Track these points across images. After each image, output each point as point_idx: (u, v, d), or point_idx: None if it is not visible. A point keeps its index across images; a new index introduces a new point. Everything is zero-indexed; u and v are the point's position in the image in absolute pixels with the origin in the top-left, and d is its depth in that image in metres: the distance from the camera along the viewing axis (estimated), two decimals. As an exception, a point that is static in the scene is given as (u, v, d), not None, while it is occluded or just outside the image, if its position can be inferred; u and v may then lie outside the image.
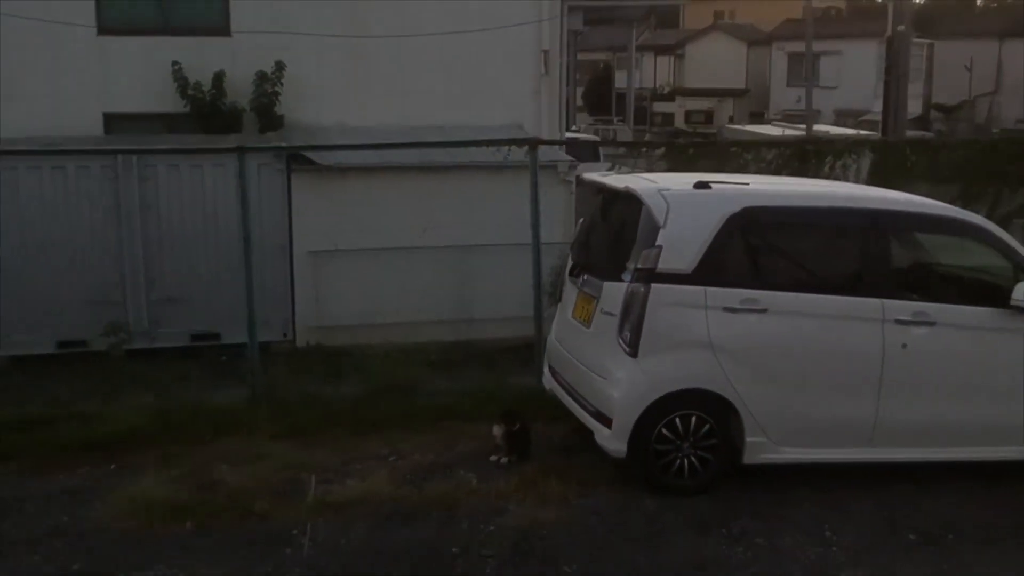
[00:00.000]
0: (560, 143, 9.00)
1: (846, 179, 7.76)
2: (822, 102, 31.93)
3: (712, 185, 5.21)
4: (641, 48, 35.01)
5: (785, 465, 5.19)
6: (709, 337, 4.97)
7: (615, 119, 32.47)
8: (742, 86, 38.75)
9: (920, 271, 5.77)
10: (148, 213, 8.01)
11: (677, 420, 5.02)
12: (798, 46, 27.33)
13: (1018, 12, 34.96)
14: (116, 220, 7.93)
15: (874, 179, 7.60)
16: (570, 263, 6.06)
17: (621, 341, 5.04)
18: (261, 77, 9.53)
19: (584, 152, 12.82)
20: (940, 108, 35.92)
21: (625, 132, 27.69)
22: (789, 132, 19.23)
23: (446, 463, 5.52)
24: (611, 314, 5.14)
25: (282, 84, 9.57)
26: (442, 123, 9.37)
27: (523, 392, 6.43)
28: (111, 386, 6.80)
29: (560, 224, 8.38)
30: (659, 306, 4.95)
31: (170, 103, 9.52)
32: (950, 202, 6.06)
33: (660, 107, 39.78)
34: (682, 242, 4.97)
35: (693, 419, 5.03)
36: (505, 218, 7.73)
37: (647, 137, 31.51)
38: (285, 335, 8.32)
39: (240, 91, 9.56)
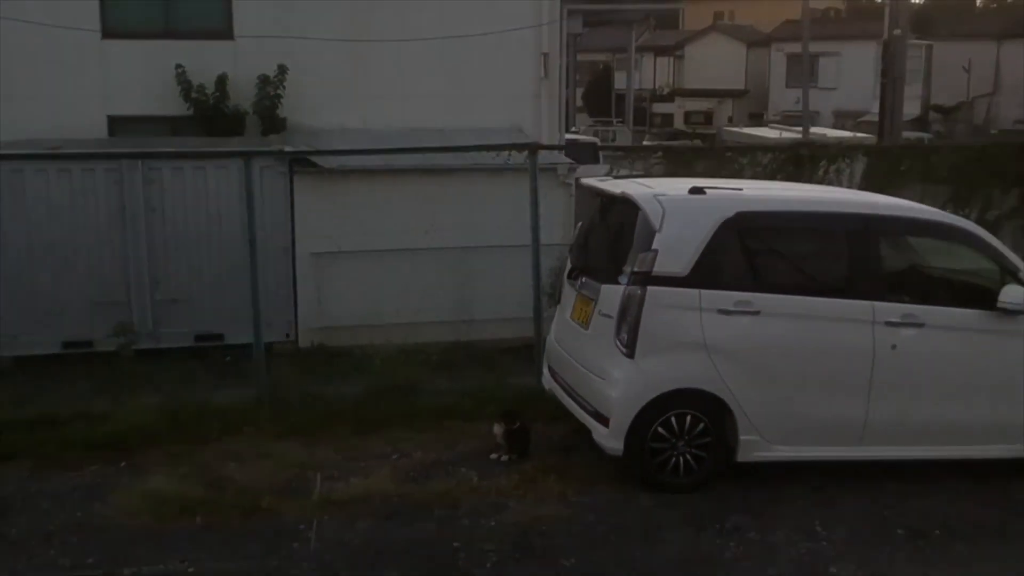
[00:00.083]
0: (559, 148, 9.08)
1: (840, 183, 7.87)
2: (821, 103, 32.05)
3: (707, 190, 5.34)
4: (641, 49, 35.13)
5: (778, 463, 5.32)
6: (704, 338, 5.10)
7: (615, 120, 32.56)
8: (741, 87, 38.85)
9: (910, 274, 5.89)
10: (152, 215, 8.06)
11: (673, 419, 5.15)
12: (797, 47, 27.41)
13: (1016, 13, 35.07)
14: (121, 222, 8.00)
15: (867, 183, 7.71)
16: (569, 266, 6.18)
17: (618, 342, 5.17)
18: (263, 80, 9.60)
19: (583, 154, 12.88)
20: (939, 109, 36.02)
21: (625, 133, 27.76)
22: (787, 134, 19.32)
23: (448, 461, 5.65)
24: (609, 316, 5.26)
25: (284, 87, 9.64)
26: (442, 126, 9.43)
27: (523, 392, 6.55)
28: (117, 386, 6.89)
29: (560, 226, 8.44)
30: (655, 308, 5.07)
31: (173, 106, 9.59)
32: (941, 206, 6.18)
33: (659, 108, 39.89)
34: (677, 246, 5.10)
35: (688, 418, 5.16)
36: (505, 220, 7.82)
37: (646, 138, 31.61)
38: (287, 336, 8.39)
39: (243, 94, 9.64)
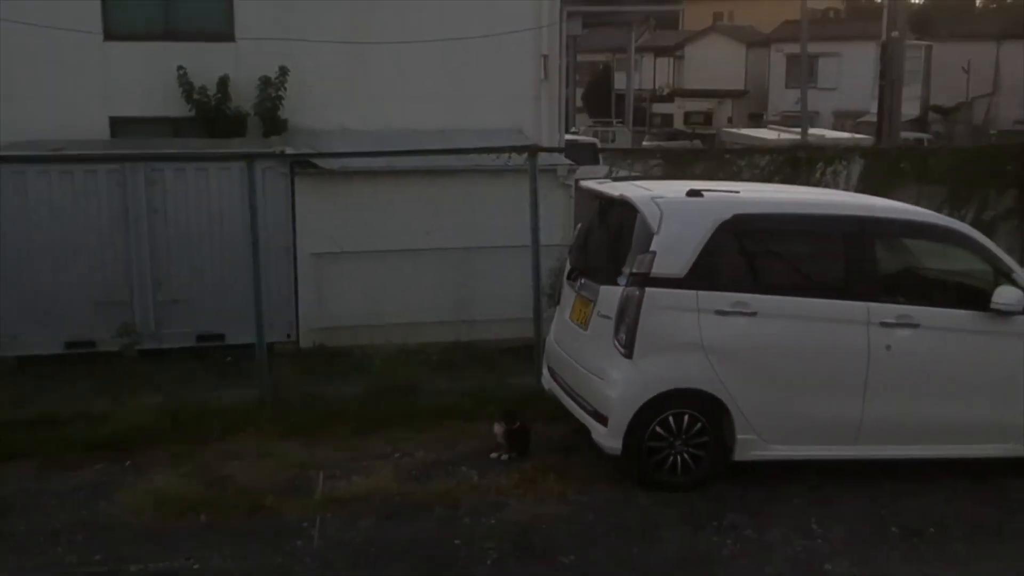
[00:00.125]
0: (559, 150, 9.12)
1: (836, 185, 7.94)
2: (821, 103, 32.11)
3: (704, 193, 5.40)
4: (640, 49, 35.17)
5: (775, 462, 5.38)
6: (701, 339, 5.17)
7: (614, 121, 32.58)
8: (741, 87, 38.91)
9: (904, 276, 5.94)
10: (154, 216, 8.09)
11: (670, 418, 5.21)
12: (797, 47, 27.43)
13: (1016, 14, 35.09)
14: (123, 223, 8.04)
15: (864, 185, 7.78)
16: (568, 267, 6.24)
17: (617, 343, 5.23)
18: (265, 82, 9.62)
19: (583, 155, 12.96)
20: (938, 109, 36.07)
21: (624, 134, 27.81)
22: (785, 136, 19.37)
23: (448, 460, 5.71)
24: (607, 317, 5.32)
25: (285, 88, 9.65)
26: (443, 126, 9.46)
27: (523, 392, 6.61)
28: (119, 386, 6.93)
29: (559, 227, 8.48)
30: (653, 309, 5.14)
31: (175, 107, 9.61)
32: (937, 207, 6.24)
33: (659, 108, 39.92)
34: (675, 248, 5.16)
35: (686, 418, 5.23)
36: (506, 220, 7.87)
37: (646, 138, 31.65)
38: (288, 336, 8.43)
39: (244, 95, 9.67)
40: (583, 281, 5.84)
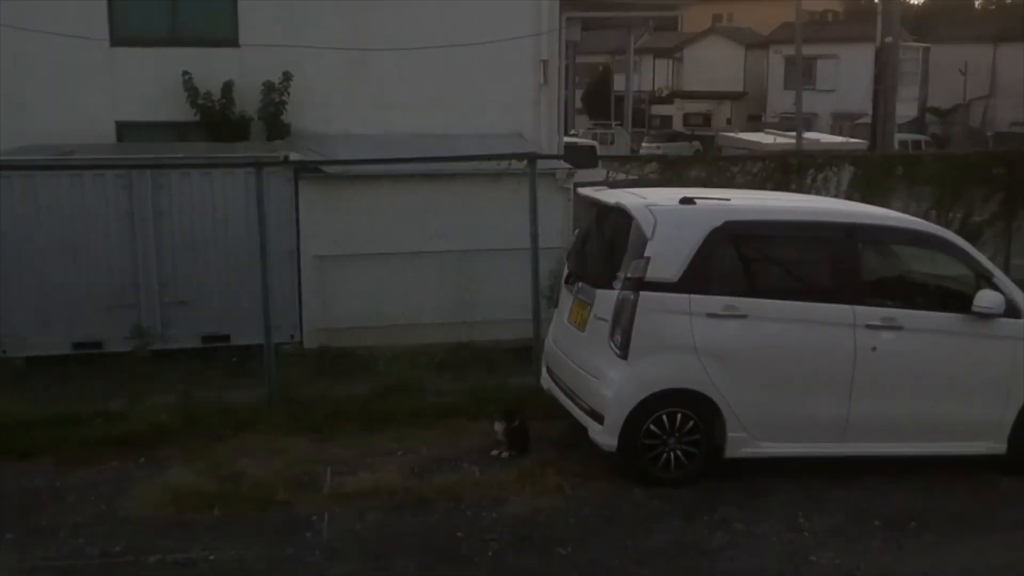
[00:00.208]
0: (558, 157, 9.26)
1: (827, 191, 8.13)
2: (819, 105, 32.29)
3: (696, 200, 5.61)
4: (640, 51, 35.27)
5: (764, 459, 5.59)
6: (693, 341, 5.37)
7: (613, 123, 32.69)
8: (740, 89, 39.03)
9: (890, 279, 6.14)
10: (161, 219, 8.19)
11: (664, 417, 5.42)
12: (795, 49, 27.62)
13: (1013, 16, 35.25)
14: (130, 226, 8.13)
15: (853, 191, 7.97)
16: (566, 271, 6.44)
17: (612, 344, 5.44)
18: (268, 87, 9.77)
19: (582, 158, 13.11)
20: (935, 111, 36.25)
21: (623, 136, 27.96)
22: (781, 140, 19.54)
23: (451, 457, 5.91)
24: (603, 319, 5.53)
25: (289, 93, 9.80)
26: (444, 131, 9.59)
27: (522, 391, 6.79)
28: (130, 386, 7.04)
29: (558, 230, 8.60)
30: (647, 312, 5.35)
31: (180, 112, 9.77)
32: (925, 212, 6.43)
33: (658, 110, 40.05)
34: (668, 253, 5.37)
35: (679, 416, 5.44)
36: (506, 223, 8.01)
37: (645, 140, 31.82)
38: (293, 337, 8.50)
39: (248, 100, 9.82)
40: (580, 285, 6.04)
